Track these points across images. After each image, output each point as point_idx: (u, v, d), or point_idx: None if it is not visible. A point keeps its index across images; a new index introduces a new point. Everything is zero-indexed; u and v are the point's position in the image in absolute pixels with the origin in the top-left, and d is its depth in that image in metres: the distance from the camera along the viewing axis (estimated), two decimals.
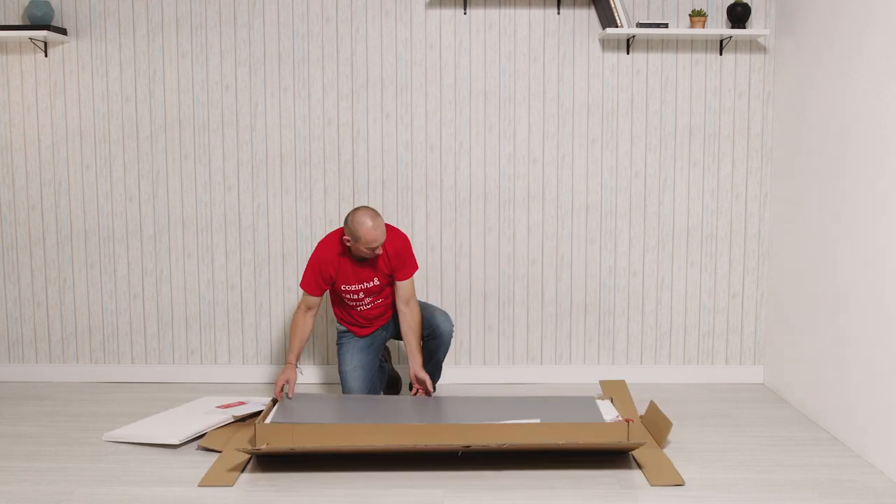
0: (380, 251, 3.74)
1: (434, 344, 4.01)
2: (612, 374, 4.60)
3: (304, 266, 4.52)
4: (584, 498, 3.01)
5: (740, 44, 4.42)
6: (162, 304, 4.57)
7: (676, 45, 4.42)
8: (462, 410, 3.59)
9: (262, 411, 3.89)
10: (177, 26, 4.43)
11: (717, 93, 4.44)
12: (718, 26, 4.41)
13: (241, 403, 4.02)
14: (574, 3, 4.40)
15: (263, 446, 3.19)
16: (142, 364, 4.61)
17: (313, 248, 4.47)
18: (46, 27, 4.23)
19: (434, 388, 3.97)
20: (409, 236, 4.50)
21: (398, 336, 4.12)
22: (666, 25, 4.24)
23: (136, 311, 4.59)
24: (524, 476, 3.21)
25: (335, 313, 4.05)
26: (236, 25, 4.43)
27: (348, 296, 3.89)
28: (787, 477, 3.22)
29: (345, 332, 4.03)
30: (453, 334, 4.39)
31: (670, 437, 3.68)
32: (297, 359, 3.82)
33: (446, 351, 4.05)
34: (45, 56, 4.45)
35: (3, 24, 4.44)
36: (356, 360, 3.93)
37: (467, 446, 3.22)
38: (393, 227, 3.90)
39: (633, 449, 3.30)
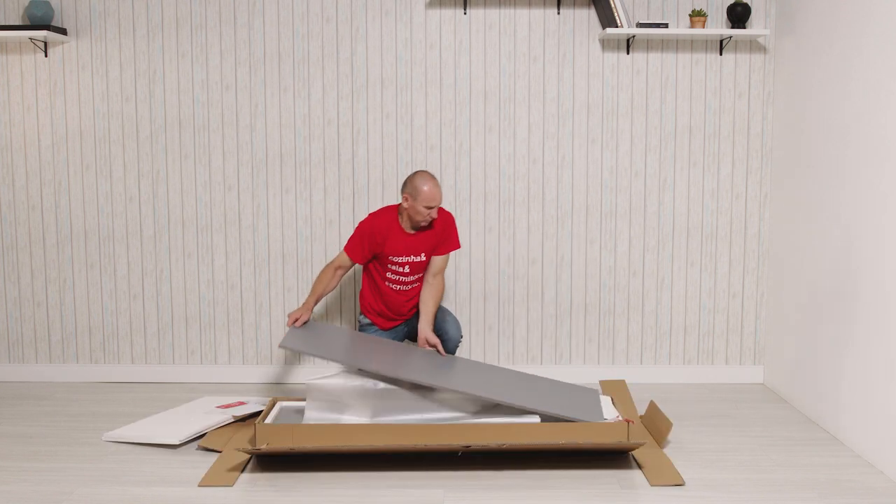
0: (434, 215, 3.81)
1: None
2: (612, 374, 4.60)
3: (307, 265, 4.52)
4: (584, 498, 3.01)
5: (740, 44, 4.42)
6: (162, 304, 4.57)
7: (676, 45, 4.42)
8: (464, 373, 3.62)
9: (262, 411, 3.89)
10: (177, 26, 4.43)
11: (717, 93, 4.44)
12: (718, 26, 4.41)
13: (241, 403, 4.02)
14: (574, 3, 4.40)
15: (263, 446, 3.19)
16: (142, 364, 4.61)
17: (311, 247, 4.48)
18: (46, 27, 4.23)
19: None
20: None
21: (410, 336, 4.13)
22: (666, 25, 4.24)
23: (136, 311, 4.59)
24: (524, 476, 3.22)
25: (363, 302, 4.05)
26: (236, 25, 4.43)
27: (393, 267, 3.91)
28: (787, 477, 3.22)
29: (369, 324, 4.04)
30: (460, 343, 4.40)
31: (670, 437, 3.68)
32: (314, 304, 3.88)
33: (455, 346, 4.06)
34: (45, 56, 4.45)
35: (3, 24, 4.44)
36: None
37: (467, 446, 3.22)
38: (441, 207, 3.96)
39: (632, 449, 3.31)
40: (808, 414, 3.96)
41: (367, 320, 4.05)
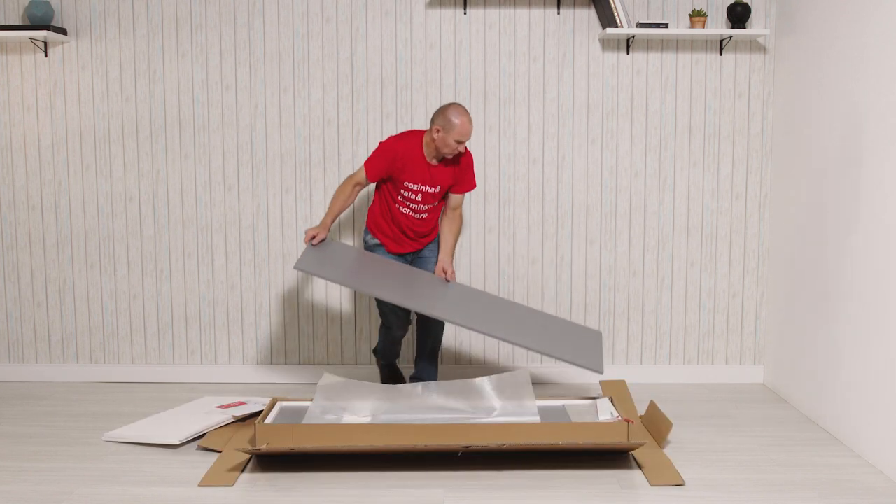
0: (462, 150, 3.81)
1: (426, 330, 4.06)
2: (612, 374, 4.60)
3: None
4: (584, 498, 3.01)
5: (740, 44, 4.42)
6: (162, 304, 4.57)
7: (676, 45, 4.42)
8: (472, 305, 3.73)
9: (261, 411, 3.89)
10: (177, 26, 4.43)
11: (717, 93, 4.44)
12: (718, 26, 4.41)
13: (241, 403, 4.02)
14: (574, 3, 4.40)
15: (263, 446, 3.19)
16: (142, 364, 4.61)
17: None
18: (46, 27, 4.23)
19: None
20: None
21: (418, 335, 4.15)
22: (666, 25, 4.24)
23: (136, 311, 4.59)
24: (524, 476, 3.22)
25: (370, 225, 4.03)
26: (236, 25, 4.43)
27: (406, 193, 3.88)
28: (787, 477, 3.22)
29: (377, 245, 4.02)
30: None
31: (670, 437, 3.68)
32: (332, 222, 3.88)
33: (440, 333, 4.09)
34: (45, 56, 4.45)
35: (3, 24, 4.44)
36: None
37: (467, 446, 3.22)
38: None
39: (632, 449, 3.31)
40: (808, 414, 3.96)
41: (375, 241, 4.02)
